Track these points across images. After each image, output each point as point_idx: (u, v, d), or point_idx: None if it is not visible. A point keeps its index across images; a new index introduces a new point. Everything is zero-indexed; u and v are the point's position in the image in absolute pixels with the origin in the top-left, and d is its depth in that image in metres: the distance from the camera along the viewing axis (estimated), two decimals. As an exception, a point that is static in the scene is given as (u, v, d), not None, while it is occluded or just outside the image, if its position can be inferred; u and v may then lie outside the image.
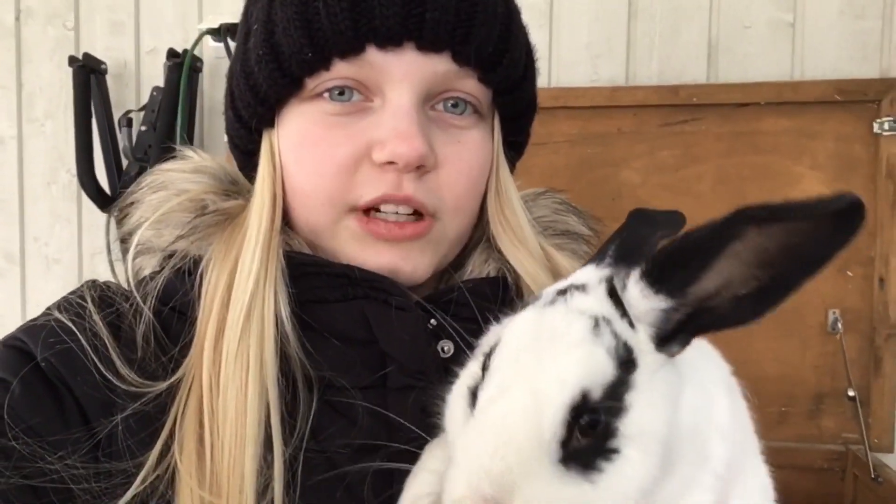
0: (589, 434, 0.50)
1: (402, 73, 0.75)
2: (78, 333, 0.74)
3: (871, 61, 1.71)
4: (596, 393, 0.50)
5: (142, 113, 1.93)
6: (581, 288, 0.57)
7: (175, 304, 0.78)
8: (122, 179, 1.96)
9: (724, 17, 1.78)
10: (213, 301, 0.76)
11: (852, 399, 1.56)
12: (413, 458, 0.70)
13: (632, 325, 0.54)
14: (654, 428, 0.51)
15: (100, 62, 1.98)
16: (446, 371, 0.74)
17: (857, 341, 1.63)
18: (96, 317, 0.75)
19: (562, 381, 0.50)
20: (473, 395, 0.56)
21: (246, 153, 0.86)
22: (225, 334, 0.74)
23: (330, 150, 0.77)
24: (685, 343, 0.53)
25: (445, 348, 0.77)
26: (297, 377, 0.75)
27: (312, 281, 0.78)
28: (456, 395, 0.59)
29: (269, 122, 0.82)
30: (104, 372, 0.72)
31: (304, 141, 0.79)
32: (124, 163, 1.97)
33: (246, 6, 0.85)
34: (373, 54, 0.75)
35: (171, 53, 1.91)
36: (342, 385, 0.75)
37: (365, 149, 0.76)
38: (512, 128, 0.87)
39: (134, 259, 0.82)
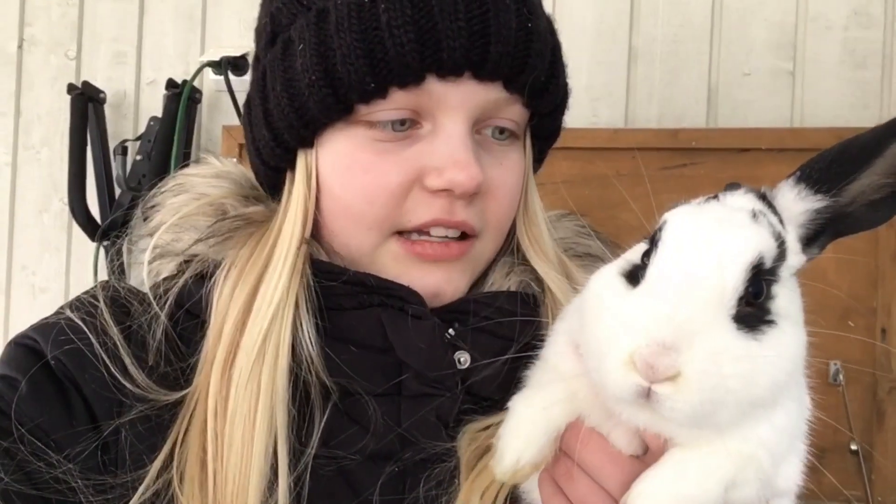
0: (753, 304, 0.53)
1: (458, 102, 0.75)
2: (88, 332, 0.74)
3: (870, 109, 1.71)
4: (768, 262, 0.54)
5: (138, 142, 1.92)
6: (732, 194, 0.61)
7: (190, 307, 0.78)
8: (115, 209, 1.94)
9: (724, 64, 1.78)
10: (227, 321, 0.74)
11: (855, 453, 1.51)
12: (425, 466, 0.70)
13: (782, 224, 0.58)
14: (796, 318, 0.56)
15: (98, 91, 1.98)
16: (462, 382, 0.75)
17: (860, 393, 1.58)
18: (107, 316, 0.76)
19: (743, 243, 0.54)
20: (628, 277, 0.58)
21: (272, 168, 0.83)
22: (237, 359, 0.73)
23: (381, 177, 0.76)
24: (823, 246, 0.59)
25: (462, 359, 0.76)
26: (313, 389, 0.74)
27: (329, 289, 0.77)
28: (602, 285, 0.60)
29: (308, 142, 0.79)
30: (113, 371, 0.72)
31: (354, 166, 0.77)
32: (117, 192, 1.96)
33: (269, 14, 0.81)
34: (432, 84, 0.74)
35: (171, 84, 1.91)
36: (356, 392, 0.74)
37: (416, 175, 0.75)
38: (540, 147, 0.89)
39: (151, 262, 0.82)
